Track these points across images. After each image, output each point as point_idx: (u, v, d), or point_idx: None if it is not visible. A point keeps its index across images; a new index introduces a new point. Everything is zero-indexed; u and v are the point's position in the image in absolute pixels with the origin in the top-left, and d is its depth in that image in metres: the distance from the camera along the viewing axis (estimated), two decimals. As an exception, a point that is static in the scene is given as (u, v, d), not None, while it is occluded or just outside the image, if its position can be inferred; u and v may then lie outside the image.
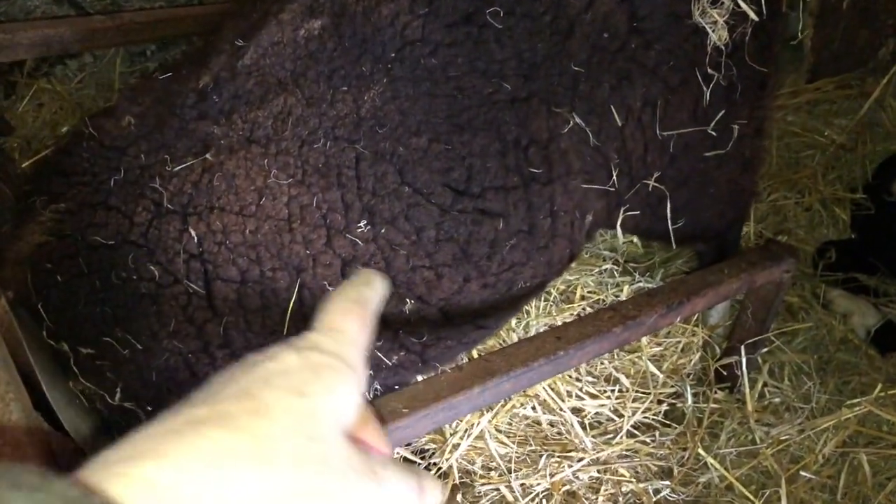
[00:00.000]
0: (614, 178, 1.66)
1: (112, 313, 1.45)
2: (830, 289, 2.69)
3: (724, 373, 2.41)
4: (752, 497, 2.13)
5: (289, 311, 1.47)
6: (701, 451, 2.22)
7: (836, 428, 2.25)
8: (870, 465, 2.17)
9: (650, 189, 1.76)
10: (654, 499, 2.13)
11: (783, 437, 2.26)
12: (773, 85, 1.94)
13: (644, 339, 2.34)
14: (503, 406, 2.24)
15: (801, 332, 2.60)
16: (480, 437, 2.19)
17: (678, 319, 1.80)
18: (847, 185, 3.04)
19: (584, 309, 2.42)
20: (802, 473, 2.19)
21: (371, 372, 1.62)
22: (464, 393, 1.42)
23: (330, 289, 1.49)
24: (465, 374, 1.46)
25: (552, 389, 2.26)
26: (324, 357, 0.60)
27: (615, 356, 2.34)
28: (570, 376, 2.30)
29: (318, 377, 0.58)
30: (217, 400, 0.55)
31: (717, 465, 2.19)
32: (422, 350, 1.61)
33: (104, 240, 1.47)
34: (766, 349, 2.49)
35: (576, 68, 1.55)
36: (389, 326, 1.56)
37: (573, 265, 2.48)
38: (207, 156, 1.47)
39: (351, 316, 0.65)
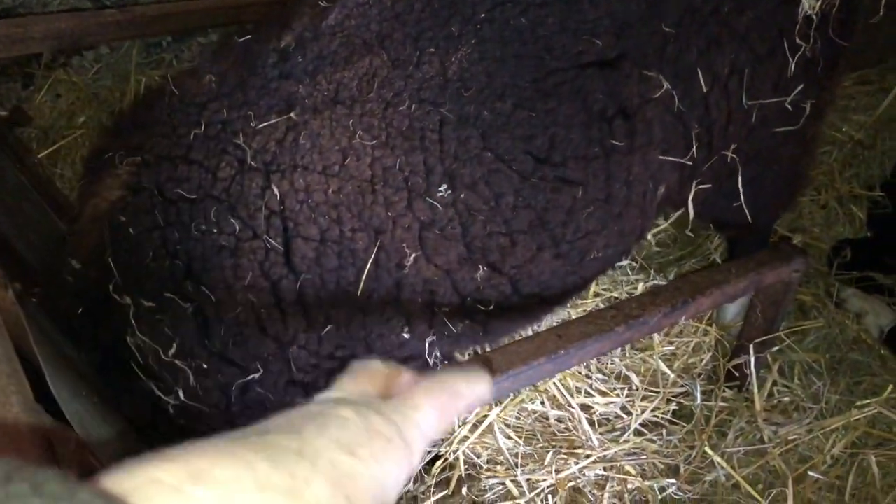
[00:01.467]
0: (694, 149, 1.64)
1: (185, 266, 1.45)
2: (844, 287, 2.67)
3: (735, 372, 2.40)
4: (758, 496, 2.13)
5: (365, 272, 1.48)
6: (708, 449, 2.22)
7: (846, 428, 2.24)
8: (879, 466, 2.15)
9: (723, 163, 1.74)
10: (660, 497, 2.13)
11: (791, 437, 2.25)
12: (844, 65, 1.92)
13: (656, 338, 2.34)
14: (512, 400, 2.25)
15: (812, 330, 2.58)
16: (488, 430, 2.20)
17: (683, 319, 1.80)
18: (865, 182, 3.00)
19: (597, 305, 2.42)
20: (810, 473, 2.18)
21: (433, 338, 1.62)
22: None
23: (407, 251, 1.50)
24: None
25: (563, 385, 2.27)
26: (384, 426, 0.58)
27: (626, 354, 2.34)
28: (580, 373, 2.30)
29: (372, 443, 0.56)
30: (269, 429, 0.54)
31: (724, 464, 2.19)
32: (486, 320, 1.60)
33: (186, 193, 1.46)
34: (776, 348, 2.47)
35: (666, 29, 1.54)
36: (459, 293, 1.57)
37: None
38: (292, 114, 1.47)
39: (434, 399, 0.63)
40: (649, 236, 2.64)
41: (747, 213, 1.86)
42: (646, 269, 2.57)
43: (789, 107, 1.72)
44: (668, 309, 1.74)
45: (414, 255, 1.49)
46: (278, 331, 1.49)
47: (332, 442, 0.54)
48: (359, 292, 1.47)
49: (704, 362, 2.42)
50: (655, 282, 2.50)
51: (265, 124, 1.45)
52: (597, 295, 2.40)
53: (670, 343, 2.39)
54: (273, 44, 1.52)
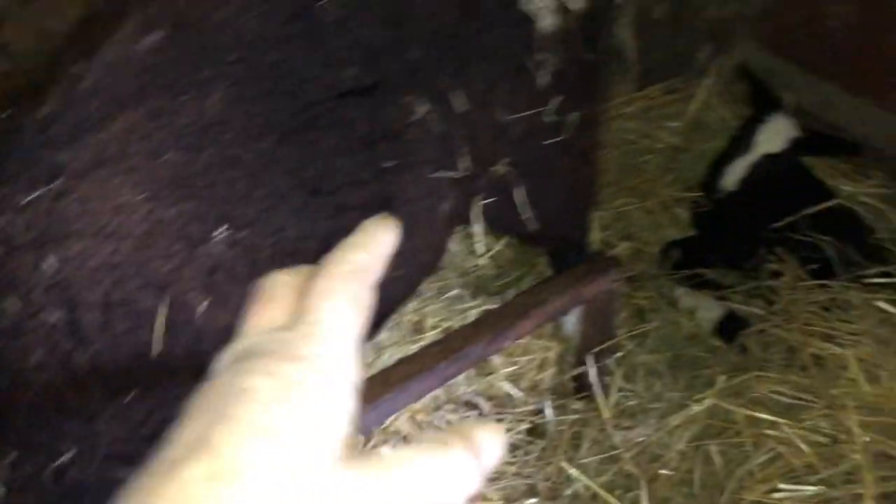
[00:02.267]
0: (463, 164, 1.68)
1: None
2: (675, 287, 2.80)
3: (582, 383, 2.46)
4: (616, 502, 2.19)
5: (158, 330, 1.42)
6: (564, 463, 2.26)
7: (688, 423, 2.34)
8: (720, 454, 2.25)
9: (500, 176, 1.80)
10: (523, 519, 2.16)
11: (640, 439, 2.33)
12: (606, 76, 2.02)
13: (497, 360, 2.38)
14: (364, 448, 2.23)
15: (650, 332, 2.68)
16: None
17: (507, 344, 1.84)
18: (684, 185, 3.17)
19: (436, 337, 2.44)
20: (661, 472, 2.26)
21: None
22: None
23: (197, 301, 1.46)
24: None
25: (414, 422, 2.27)
26: (301, 368, 0.47)
27: (472, 380, 2.37)
28: (430, 405, 2.31)
29: (293, 404, 0.46)
30: (174, 456, 0.44)
31: (581, 476, 2.24)
32: None
33: None
34: (619, 354, 2.56)
35: (415, 54, 1.58)
36: None
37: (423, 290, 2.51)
38: (57, 183, 1.41)
39: (337, 294, 0.53)
40: (483, 261, 2.70)
41: (532, 225, 1.93)
42: (484, 293, 2.62)
43: (551, 119, 1.80)
44: (491, 337, 1.77)
45: (205, 302, 1.47)
46: (80, 406, 1.43)
47: (247, 436, 0.43)
48: (156, 352, 1.43)
49: (552, 377, 2.48)
50: (490, 307, 2.54)
51: (31, 197, 1.39)
52: (434, 327, 2.42)
53: (513, 363, 2.43)
54: (33, 115, 1.47)
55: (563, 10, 1.70)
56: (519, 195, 1.88)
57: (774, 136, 2.75)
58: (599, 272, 2.05)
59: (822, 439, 2.21)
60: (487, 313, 1.83)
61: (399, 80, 1.58)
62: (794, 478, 2.17)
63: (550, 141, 1.87)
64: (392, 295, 1.71)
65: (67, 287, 1.38)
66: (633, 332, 2.65)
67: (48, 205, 1.40)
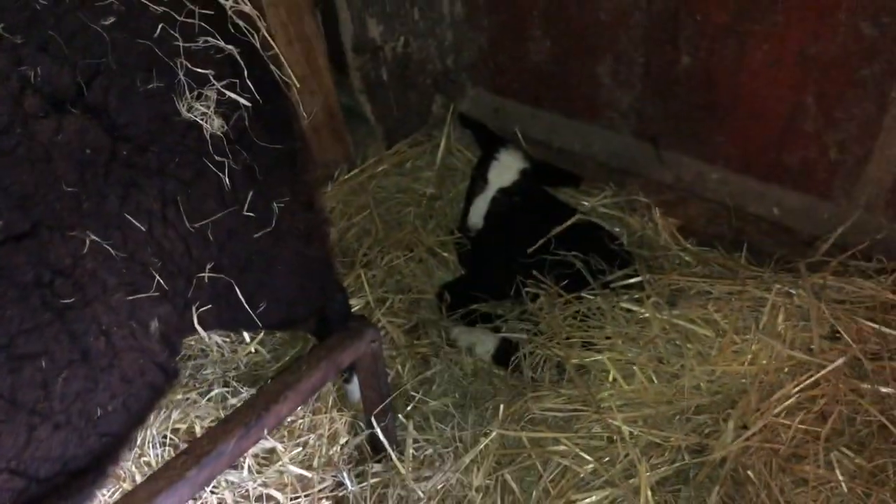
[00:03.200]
0: (160, 281, 1.63)
1: None
2: (452, 328, 2.89)
3: (377, 445, 2.46)
4: (429, 556, 2.20)
5: None
6: (369, 529, 2.25)
7: (482, 458, 2.39)
8: (516, 480, 2.32)
9: (212, 281, 1.76)
10: None
11: (440, 486, 2.36)
12: (306, 159, 2.04)
13: (279, 446, 2.34)
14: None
15: (436, 376, 2.74)
16: None
17: (266, 432, 1.80)
18: (445, 229, 3.30)
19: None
20: (467, 513, 2.30)
21: None
22: None
23: None
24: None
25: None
26: None
27: (258, 473, 2.31)
28: (221, 512, 2.23)
29: None
30: None
31: (391, 537, 2.23)
32: None
33: None
34: (409, 406, 2.60)
35: (70, 189, 1.51)
36: None
37: (178, 398, 2.44)
38: None
39: None
40: (254, 347, 2.66)
41: (268, 317, 1.93)
42: (263, 382, 2.57)
43: (251, 214, 1.81)
44: (243, 430, 1.73)
45: None
46: None
47: None
48: None
49: (343, 447, 2.47)
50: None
51: None
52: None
53: (301, 444, 2.40)
54: None
55: (231, 108, 1.71)
56: (240, 293, 1.86)
57: (504, 170, 2.93)
58: (354, 337, 2.07)
59: (599, 443, 2.35)
60: (237, 408, 1.79)
61: (61, 218, 1.52)
62: (583, 486, 2.28)
63: (257, 234, 1.88)
64: (116, 429, 1.63)
65: None
66: (420, 379, 2.71)
67: None
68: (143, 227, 1.63)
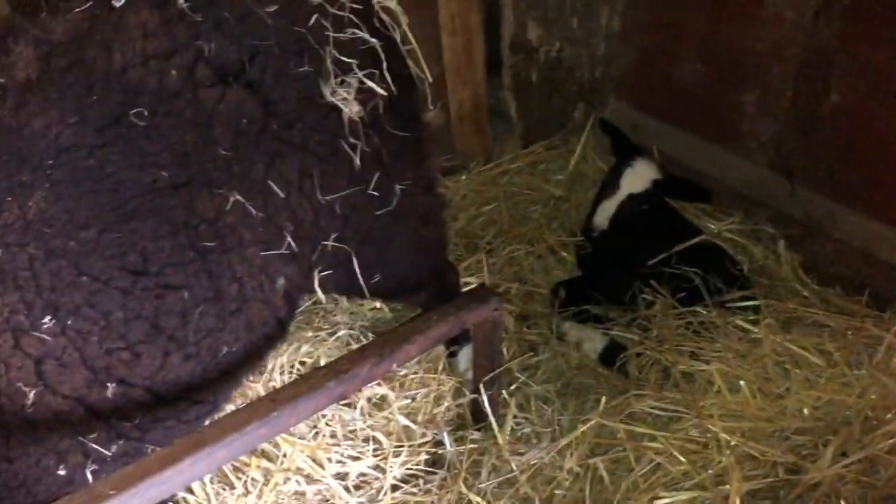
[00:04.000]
0: (291, 243, 1.83)
1: None
2: (563, 322, 3.00)
3: (478, 414, 2.60)
4: (514, 523, 2.31)
5: None
6: (463, 489, 2.37)
7: (577, 443, 2.49)
8: (607, 470, 2.41)
9: (334, 249, 1.95)
10: (424, 544, 2.25)
11: (533, 462, 2.46)
12: (429, 148, 2.22)
13: (393, 395, 2.51)
14: (266, 485, 2.30)
15: (542, 364, 2.86)
16: (250, 521, 2.24)
17: (394, 366, 1.97)
18: (568, 231, 3.42)
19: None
20: (556, 492, 2.39)
21: (96, 466, 1.66)
22: (174, 467, 1.50)
23: (27, 389, 1.53)
24: (175, 448, 1.54)
25: (312, 459, 2.36)
26: None
27: (368, 415, 2.49)
28: (328, 443, 2.41)
29: None
30: None
31: (480, 500, 2.35)
32: (141, 435, 1.67)
33: None
34: (513, 386, 2.73)
35: (224, 152, 1.73)
36: (99, 415, 1.62)
37: (308, 335, 2.65)
38: None
39: None
40: (378, 305, 2.86)
41: (367, 293, 2.12)
42: (372, 334, 2.76)
43: (375, 193, 1.98)
44: (377, 360, 1.90)
45: (35, 391, 1.56)
46: None
47: None
48: None
49: (447, 410, 2.61)
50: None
51: None
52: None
53: (410, 398, 2.56)
54: None
55: (369, 95, 1.88)
56: (357, 263, 2.04)
57: (637, 178, 3.04)
58: (480, 301, 2.22)
59: (694, 447, 2.41)
60: (374, 339, 1.97)
61: (211, 177, 1.72)
62: (672, 485, 2.34)
63: (380, 212, 2.05)
64: (233, 370, 1.84)
65: None
66: (526, 365, 2.83)
67: None
68: (282, 194, 1.84)
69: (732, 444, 2.35)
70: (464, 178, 3.60)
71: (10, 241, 1.56)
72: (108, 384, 1.63)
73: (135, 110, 1.65)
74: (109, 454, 1.63)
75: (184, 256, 1.70)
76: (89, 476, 1.66)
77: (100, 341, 1.62)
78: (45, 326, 1.56)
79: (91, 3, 1.69)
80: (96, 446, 1.62)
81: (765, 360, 2.50)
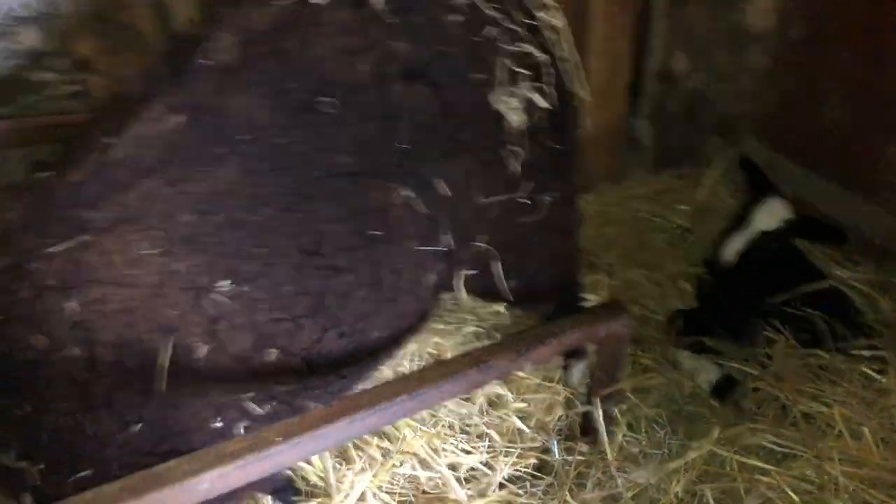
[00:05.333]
0: (446, 241, 1.94)
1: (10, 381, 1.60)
2: (678, 351, 3.02)
3: (588, 428, 2.65)
4: (615, 538, 2.35)
5: (164, 371, 1.64)
6: (568, 497, 2.43)
7: (686, 469, 2.51)
8: (715, 499, 2.42)
9: (480, 252, 2.05)
10: (527, 544, 2.32)
11: (640, 481, 2.50)
12: (577, 163, 2.30)
13: (510, 395, 2.59)
14: (383, 466, 2.42)
15: (654, 388, 2.89)
16: (362, 498, 2.35)
17: (528, 365, 2.06)
18: (690, 261, 3.44)
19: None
20: (659, 513, 2.43)
21: (248, 423, 1.80)
22: (333, 424, 1.62)
23: (200, 345, 1.68)
24: (334, 409, 1.66)
25: (430, 446, 2.46)
26: None
27: (485, 413, 2.57)
28: (445, 434, 2.51)
29: None
30: None
31: (584, 511, 2.41)
32: (291, 399, 1.81)
33: None
34: (624, 406, 2.76)
35: (402, 146, 1.86)
36: (259, 377, 1.76)
37: (439, 327, 2.76)
38: (84, 237, 1.65)
39: None
40: (502, 310, 2.94)
41: (511, 294, 2.20)
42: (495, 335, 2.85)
43: (527, 201, 2.07)
44: (515, 355, 1.99)
45: (207, 347, 1.70)
46: (94, 433, 1.66)
47: None
48: (160, 389, 1.65)
49: (558, 418, 2.68)
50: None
51: (59, 248, 1.63)
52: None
53: (524, 401, 2.64)
54: (67, 178, 1.74)
55: (530, 107, 1.98)
56: (497, 268, 2.14)
57: (770, 215, 3.02)
58: (612, 315, 2.28)
59: (809, 487, 2.39)
60: (511, 336, 2.06)
61: (386, 168, 1.85)
62: (781, 522, 2.34)
63: (526, 220, 2.14)
64: (378, 353, 1.95)
65: (87, 327, 1.62)
66: (639, 387, 2.86)
67: (74, 255, 1.65)
68: (447, 193, 1.94)
69: (851, 489, 2.33)
70: (590, 197, 3.66)
71: (201, 208, 1.72)
72: (271, 350, 1.77)
73: (325, 99, 1.80)
74: (262, 413, 1.77)
75: (352, 242, 1.83)
76: (241, 431, 1.80)
77: (269, 310, 1.76)
78: (223, 289, 1.71)
79: (292, 1, 1.86)
80: (253, 405, 1.75)
81: (892, 410, 2.46)
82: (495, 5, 1.94)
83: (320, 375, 1.87)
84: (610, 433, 2.62)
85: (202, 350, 1.71)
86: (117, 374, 1.64)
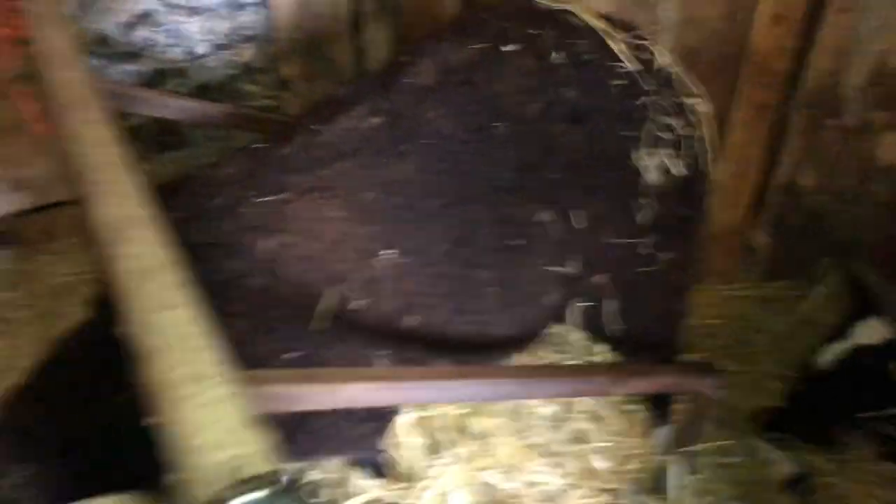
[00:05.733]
0: (572, 268, 2.23)
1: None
2: (759, 440, 3.16)
3: (657, 487, 2.83)
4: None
5: (325, 314, 1.99)
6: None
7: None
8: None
9: (596, 288, 2.32)
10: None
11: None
12: (699, 232, 2.55)
13: (595, 432, 2.81)
14: (468, 464, 2.67)
15: (728, 466, 3.03)
16: (443, 492, 2.61)
17: (622, 391, 2.30)
18: (785, 364, 3.58)
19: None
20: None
21: None
22: (461, 380, 1.92)
23: (353, 299, 2.01)
24: (458, 370, 1.97)
25: (514, 459, 2.71)
26: None
27: (570, 442, 2.80)
28: (528, 451, 2.75)
29: None
30: None
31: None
32: (415, 366, 2.13)
33: (206, 240, 2.04)
34: (697, 474, 2.92)
35: (552, 176, 2.19)
36: (396, 339, 2.08)
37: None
38: (283, 195, 2.05)
39: None
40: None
41: (617, 335, 2.44)
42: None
43: (646, 252, 2.32)
44: (612, 378, 2.22)
45: (362, 302, 2.03)
46: (260, 353, 1.98)
47: None
48: (315, 328, 1.98)
49: (634, 469, 2.86)
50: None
51: (264, 200, 2.04)
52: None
53: (607, 442, 2.85)
54: (278, 150, 2.16)
55: (665, 171, 2.28)
56: (608, 305, 2.39)
57: (869, 332, 3.15)
58: (704, 372, 2.49)
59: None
60: (611, 363, 2.32)
61: (535, 191, 2.18)
62: None
63: (643, 270, 2.39)
64: (491, 350, 2.24)
65: (273, 264, 2.00)
66: (713, 463, 3.02)
67: (274, 207, 2.05)
68: (580, 226, 2.24)
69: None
70: (700, 288, 3.87)
71: (382, 189, 2.11)
72: (412, 317, 2.10)
73: (500, 124, 2.18)
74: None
75: (495, 245, 2.17)
76: None
77: (417, 283, 2.10)
78: (386, 257, 2.07)
79: (486, 45, 2.28)
80: (386, 362, 2.06)
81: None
82: (651, 82, 2.30)
83: (442, 354, 2.18)
84: (678, 495, 2.79)
85: (358, 303, 2.04)
86: (286, 308, 2.00)
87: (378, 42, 3.76)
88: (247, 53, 3.86)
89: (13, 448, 1.95)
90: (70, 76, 1.33)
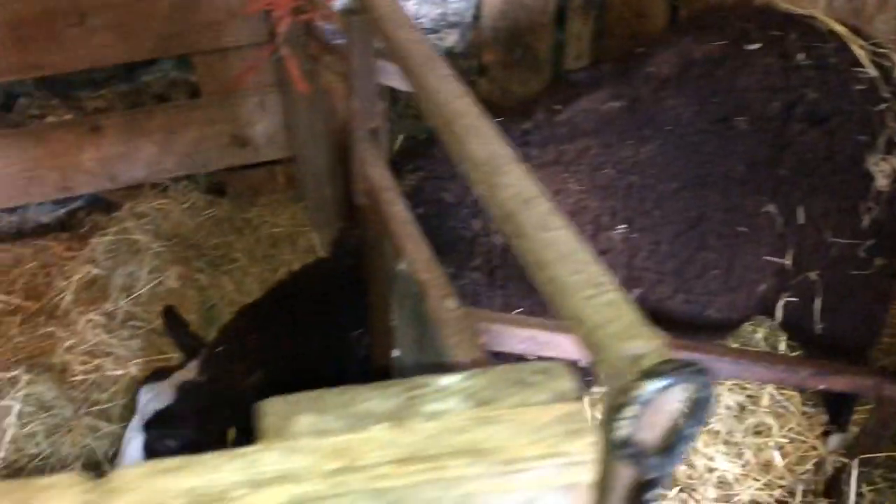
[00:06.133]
0: (788, 260, 2.31)
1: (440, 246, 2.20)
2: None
3: (830, 491, 2.85)
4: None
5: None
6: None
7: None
8: None
9: (804, 285, 2.39)
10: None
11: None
12: None
13: (776, 428, 2.87)
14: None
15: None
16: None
17: (821, 385, 2.36)
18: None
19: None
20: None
21: None
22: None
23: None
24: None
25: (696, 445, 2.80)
26: None
27: (750, 433, 2.88)
28: (709, 437, 2.85)
29: None
30: None
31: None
32: None
33: (447, 199, 2.28)
34: (873, 484, 2.93)
35: (782, 173, 2.28)
36: None
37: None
38: (526, 165, 2.26)
39: None
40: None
41: (818, 335, 2.48)
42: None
43: (862, 255, 2.35)
44: (813, 371, 2.28)
45: None
46: (493, 302, 2.23)
47: None
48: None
49: (808, 471, 2.90)
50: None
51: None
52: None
53: (785, 438, 2.90)
54: (519, 125, 2.33)
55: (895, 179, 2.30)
56: (817, 303, 2.43)
57: None
58: (902, 381, 2.52)
59: None
60: (815, 359, 2.39)
61: (765, 184, 2.28)
62: None
63: (855, 272, 2.43)
64: (703, 330, 2.36)
65: None
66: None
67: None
68: (802, 221, 2.32)
69: None
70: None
71: (622, 168, 2.27)
72: (635, 290, 2.25)
73: (740, 118, 2.29)
74: None
75: (723, 230, 2.29)
76: None
77: (645, 258, 2.25)
78: (619, 231, 2.23)
79: (728, 42, 2.39)
80: None
81: None
82: (890, 89, 2.35)
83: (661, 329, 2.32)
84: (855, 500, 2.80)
85: None
86: (512, 268, 2.18)
87: (581, 37, 3.91)
88: (450, 38, 4.08)
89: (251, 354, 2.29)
90: (412, 37, 1.54)
